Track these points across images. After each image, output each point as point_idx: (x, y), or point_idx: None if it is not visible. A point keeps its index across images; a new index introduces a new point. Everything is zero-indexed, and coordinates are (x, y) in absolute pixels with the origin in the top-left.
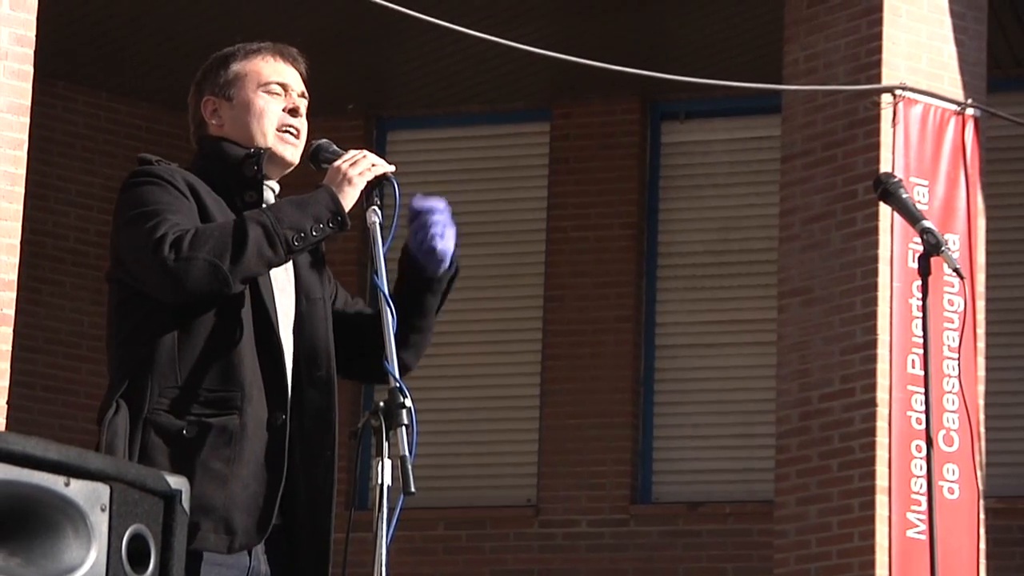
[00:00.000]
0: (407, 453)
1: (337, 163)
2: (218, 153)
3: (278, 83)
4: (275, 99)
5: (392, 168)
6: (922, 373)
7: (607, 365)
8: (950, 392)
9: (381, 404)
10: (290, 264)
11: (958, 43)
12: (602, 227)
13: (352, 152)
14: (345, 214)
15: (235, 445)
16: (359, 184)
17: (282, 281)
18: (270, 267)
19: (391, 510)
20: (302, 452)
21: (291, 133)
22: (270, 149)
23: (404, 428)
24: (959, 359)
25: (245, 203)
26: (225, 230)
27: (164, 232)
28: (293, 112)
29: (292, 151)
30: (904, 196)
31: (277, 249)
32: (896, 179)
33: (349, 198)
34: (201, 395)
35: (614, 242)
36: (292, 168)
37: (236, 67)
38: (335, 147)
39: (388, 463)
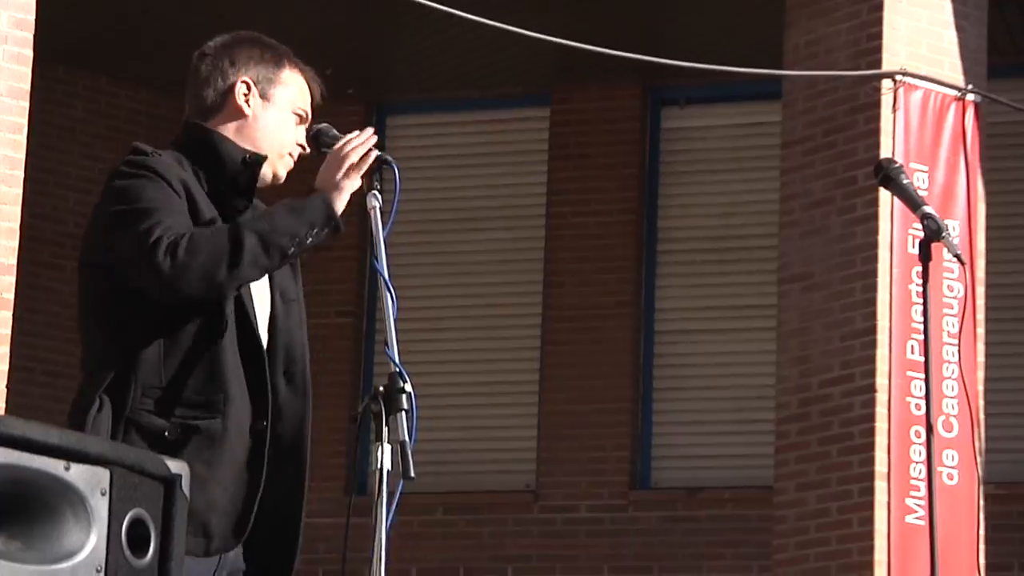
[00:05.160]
0: (407, 438)
1: (337, 145)
2: (215, 153)
3: (304, 111)
4: (297, 124)
5: (378, 155)
6: (922, 359)
7: (607, 351)
8: (950, 378)
9: (380, 389)
10: None
11: (959, 29)
12: (602, 213)
13: (352, 135)
14: (339, 219)
15: (216, 448)
16: (351, 187)
17: (257, 281)
18: (264, 273)
19: (391, 495)
20: (275, 454)
21: (292, 157)
22: (273, 169)
23: (404, 413)
24: (959, 345)
25: (235, 209)
26: (220, 236)
27: (159, 235)
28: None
29: (285, 173)
30: (904, 182)
31: (272, 256)
32: (896, 165)
33: (342, 202)
34: (185, 397)
35: (614, 227)
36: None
37: (285, 74)
38: (335, 131)
39: (388, 448)
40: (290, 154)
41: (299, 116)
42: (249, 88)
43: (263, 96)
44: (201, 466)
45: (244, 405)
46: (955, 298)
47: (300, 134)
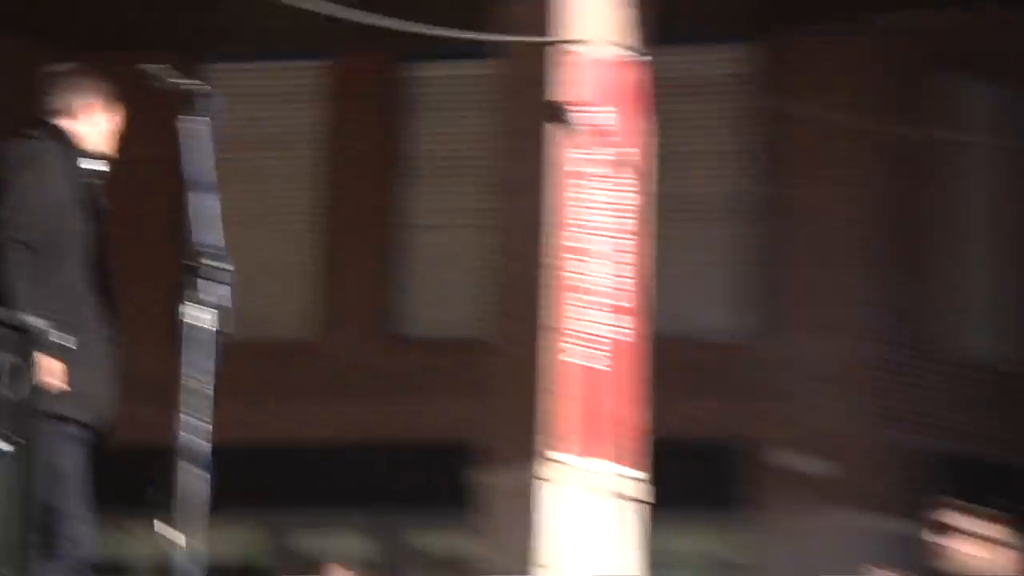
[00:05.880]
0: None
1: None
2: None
3: None
4: None
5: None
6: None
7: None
8: (624, 262)
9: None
10: None
11: (630, 5)
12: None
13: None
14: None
15: (84, 350)
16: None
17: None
18: None
19: (214, 348)
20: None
21: None
22: None
23: (220, 281)
24: (632, 242)
25: None
26: None
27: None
28: None
29: None
30: (569, 118)
31: None
32: (564, 105)
33: None
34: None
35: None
36: None
37: None
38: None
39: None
40: None
41: None
42: None
43: None
44: (73, 367)
45: (97, 316)
46: (620, 203)
47: None
